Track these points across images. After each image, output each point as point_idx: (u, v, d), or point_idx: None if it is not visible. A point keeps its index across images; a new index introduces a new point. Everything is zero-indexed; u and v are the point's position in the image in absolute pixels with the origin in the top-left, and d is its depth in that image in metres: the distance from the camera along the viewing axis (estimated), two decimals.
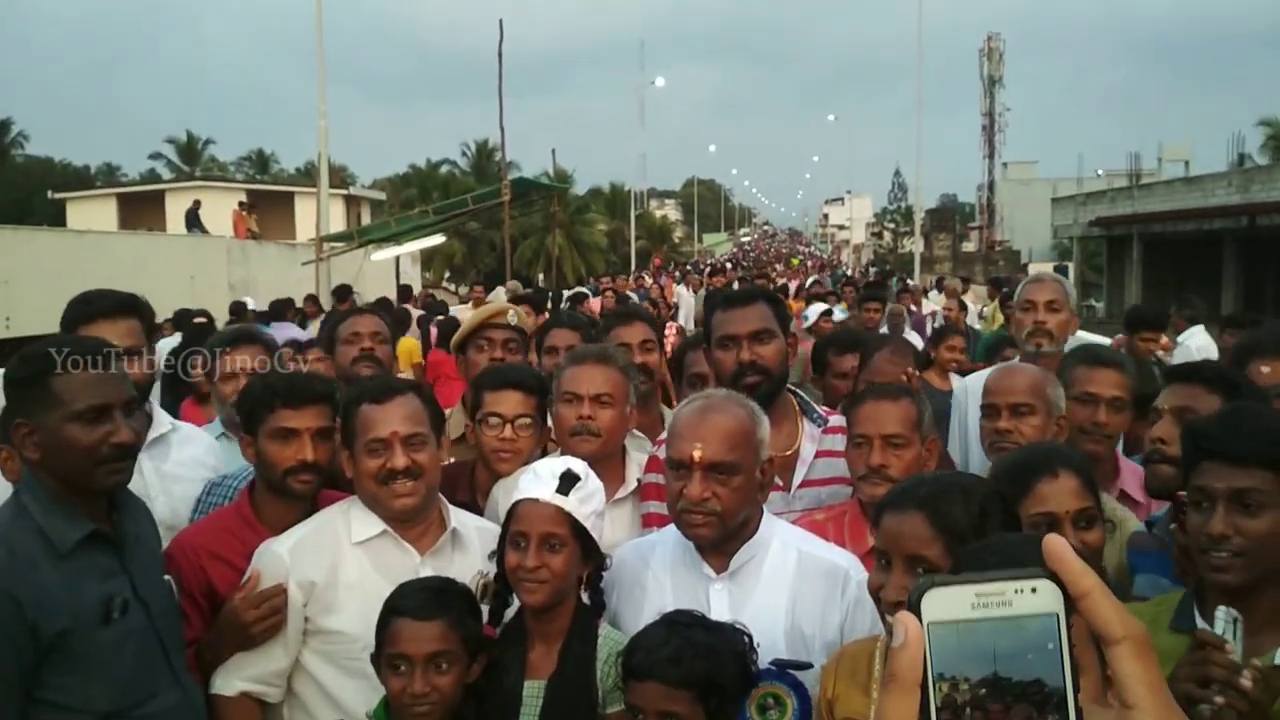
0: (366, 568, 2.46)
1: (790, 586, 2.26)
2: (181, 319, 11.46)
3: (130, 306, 3.09)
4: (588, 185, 58.65)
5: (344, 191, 34.37)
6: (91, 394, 2.18)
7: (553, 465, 2.31)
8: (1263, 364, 2.98)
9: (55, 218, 32.37)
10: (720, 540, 2.27)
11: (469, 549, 2.56)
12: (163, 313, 11.75)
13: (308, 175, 45.97)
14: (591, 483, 2.30)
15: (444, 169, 53.89)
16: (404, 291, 15.42)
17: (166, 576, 2.44)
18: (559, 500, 2.22)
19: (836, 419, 3.02)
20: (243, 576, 2.49)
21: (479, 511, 2.95)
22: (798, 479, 2.93)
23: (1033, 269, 50.87)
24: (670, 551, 2.35)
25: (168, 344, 9.63)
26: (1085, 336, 15.05)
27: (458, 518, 2.62)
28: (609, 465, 2.88)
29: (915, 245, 37.57)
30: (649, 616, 2.18)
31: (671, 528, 2.36)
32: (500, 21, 17.01)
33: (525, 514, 2.24)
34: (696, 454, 2.22)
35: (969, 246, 64.11)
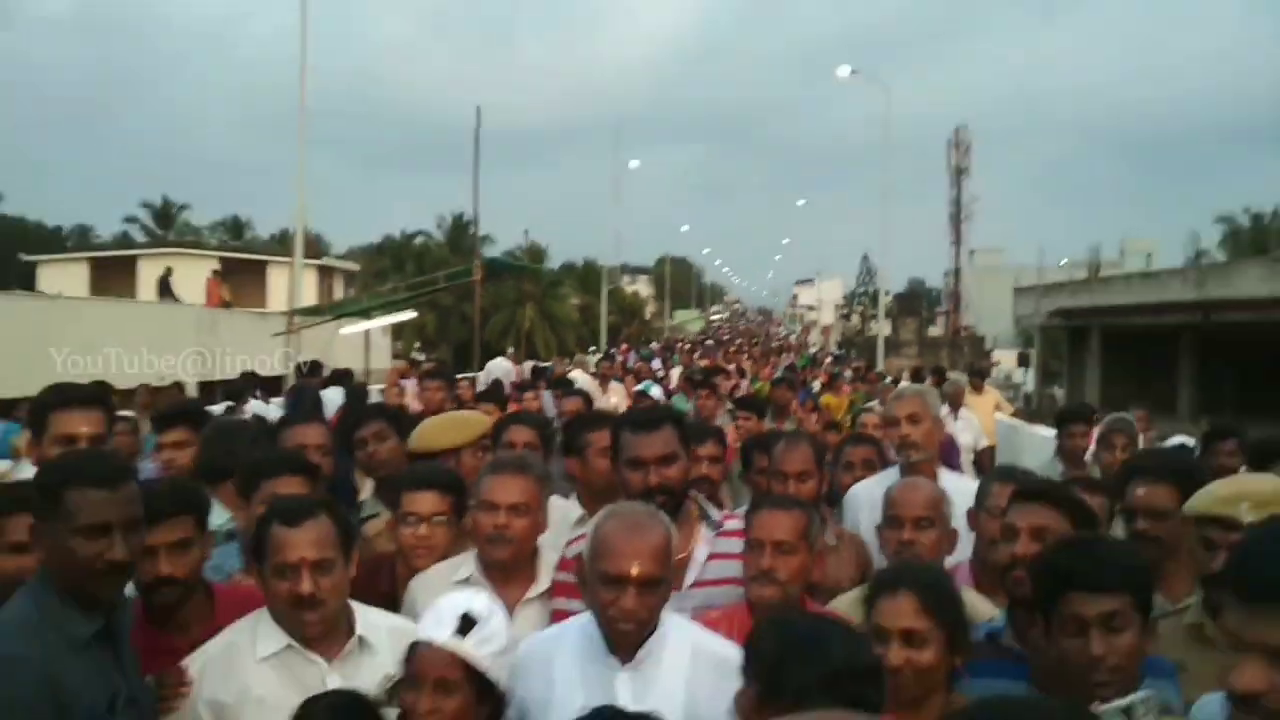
0: (274, 683, 2.54)
1: (686, 676, 2.48)
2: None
3: (99, 399, 3.30)
4: (561, 260, 59.23)
5: (318, 262, 34.59)
6: (96, 511, 2.31)
7: (455, 604, 2.37)
8: (1139, 486, 3.23)
9: (26, 280, 32.37)
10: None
11: (377, 652, 2.64)
12: (129, 380, 11.83)
13: (282, 242, 46.10)
14: (493, 623, 2.36)
15: (418, 240, 54.19)
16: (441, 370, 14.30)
17: (148, 676, 2.55)
18: (454, 644, 2.29)
19: (732, 523, 3.26)
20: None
21: (397, 602, 3.15)
22: (689, 579, 3.15)
23: (997, 355, 51.70)
24: (576, 643, 2.54)
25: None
26: (1013, 424, 14.70)
27: (366, 621, 2.70)
28: (521, 566, 3.13)
29: (880, 329, 38.21)
30: (560, 705, 2.40)
31: (575, 621, 2.60)
32: (478, 109, 17.46)
33: (421, 657, 2.31)
34: (635, 571, 2.42)
35: (935, 331, 65.03)
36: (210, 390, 16.87)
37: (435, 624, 2.33)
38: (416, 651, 2.33)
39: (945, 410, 9.86)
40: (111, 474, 2.38)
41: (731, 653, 2.53)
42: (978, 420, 10.60)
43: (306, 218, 19.95)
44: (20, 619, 2.31)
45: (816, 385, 15.66)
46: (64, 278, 31.22)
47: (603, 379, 13.73)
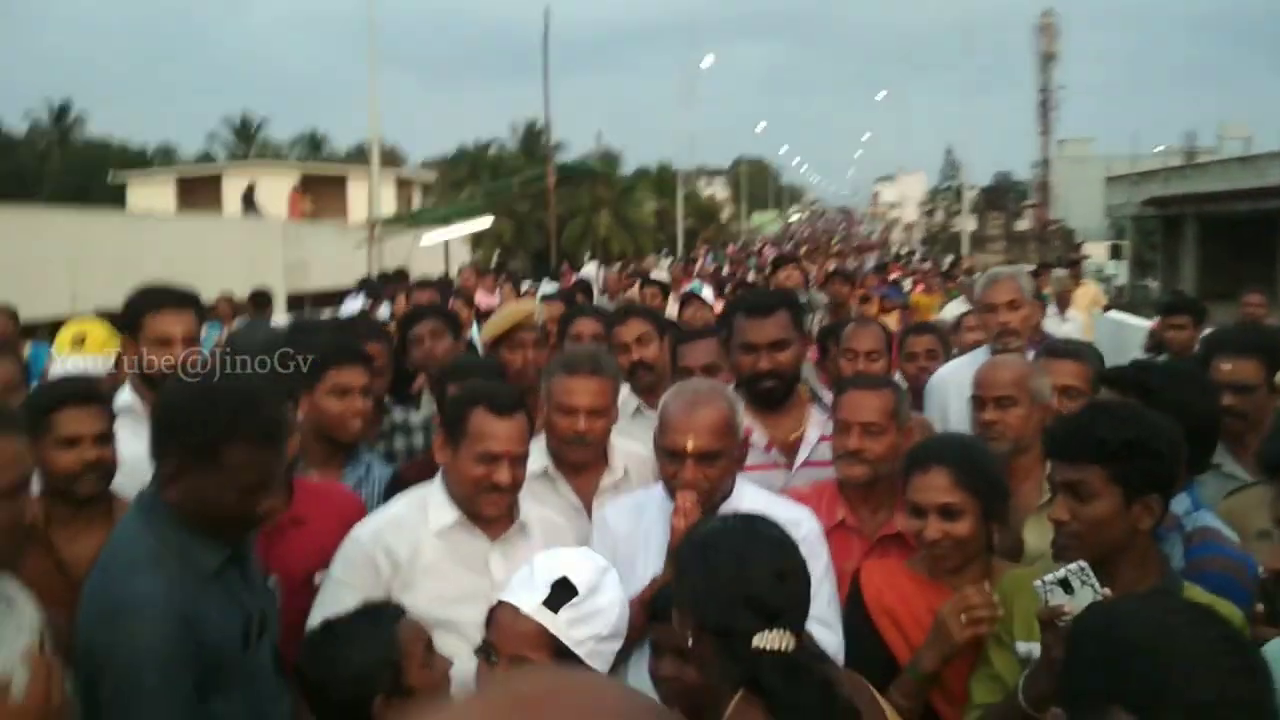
0: (441, 553, 2.61)
1: None
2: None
3: (192, 300, 3.37)
4: (635, 164, 58.80)
5: (396, 172, 34.80)
6: (257, 473, 2.20)
7: (552, 565, 1.94)
8: (1224, 361, 3.17)
9: (115, 198, 33.14)
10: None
11: (534, 538, 2.67)
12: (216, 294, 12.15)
13: (360, 156, 46.35)
14: (598, 599, 1.90)
15: (493, 149, 54.15)
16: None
17: (271, 577, 2.53)
18: (542, 617, 1.86)
19: None
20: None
21: None
22: (800, 459, 3.23)
23: (1087, 248, 50.31)
24: (656, 510, 2.65)
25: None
26: (1117, 318, 14.41)
27: (526, 511, 2.72)
28: (596, 459, 3.16)
29: (964, 224, 37.29)
30: (645, 563, 2.51)
31: (655, 489, 2.71)
32: (546, 10, 17.17)
33: (500, 622, 1.90)
34: (690, 445, 2.53)
35: (1023, 225, 63.35)
36: (300, 302, 17.26)
37: (525, 584, 1.92)
38: (498, 614, 1.92)
39: (1053, 309, 9.64)
40: (274, 429, 2.23)
41: (799, 514, 2.63)
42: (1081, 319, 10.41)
43: (381, 130, 20.03)
44: (144, 555, 2.16)
45: (908, 284, 15.39)
46: (152, 195, 31.94)
47: (674, 282, 13.64)
